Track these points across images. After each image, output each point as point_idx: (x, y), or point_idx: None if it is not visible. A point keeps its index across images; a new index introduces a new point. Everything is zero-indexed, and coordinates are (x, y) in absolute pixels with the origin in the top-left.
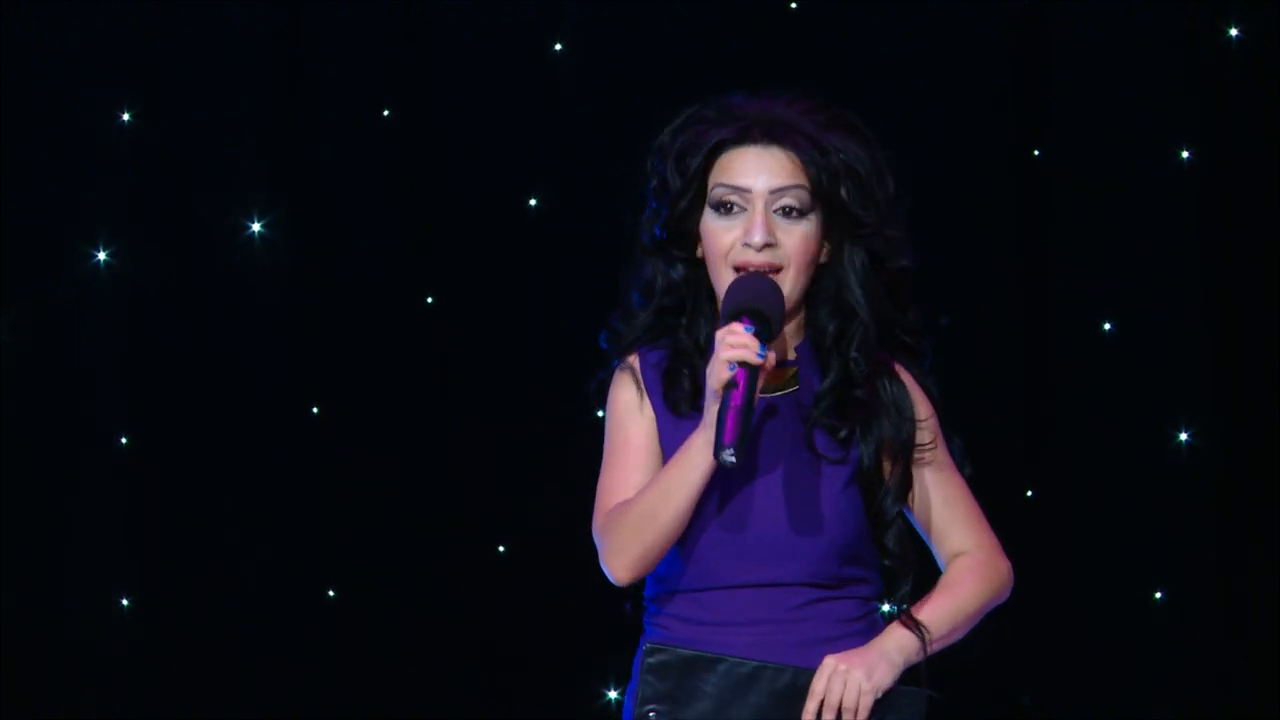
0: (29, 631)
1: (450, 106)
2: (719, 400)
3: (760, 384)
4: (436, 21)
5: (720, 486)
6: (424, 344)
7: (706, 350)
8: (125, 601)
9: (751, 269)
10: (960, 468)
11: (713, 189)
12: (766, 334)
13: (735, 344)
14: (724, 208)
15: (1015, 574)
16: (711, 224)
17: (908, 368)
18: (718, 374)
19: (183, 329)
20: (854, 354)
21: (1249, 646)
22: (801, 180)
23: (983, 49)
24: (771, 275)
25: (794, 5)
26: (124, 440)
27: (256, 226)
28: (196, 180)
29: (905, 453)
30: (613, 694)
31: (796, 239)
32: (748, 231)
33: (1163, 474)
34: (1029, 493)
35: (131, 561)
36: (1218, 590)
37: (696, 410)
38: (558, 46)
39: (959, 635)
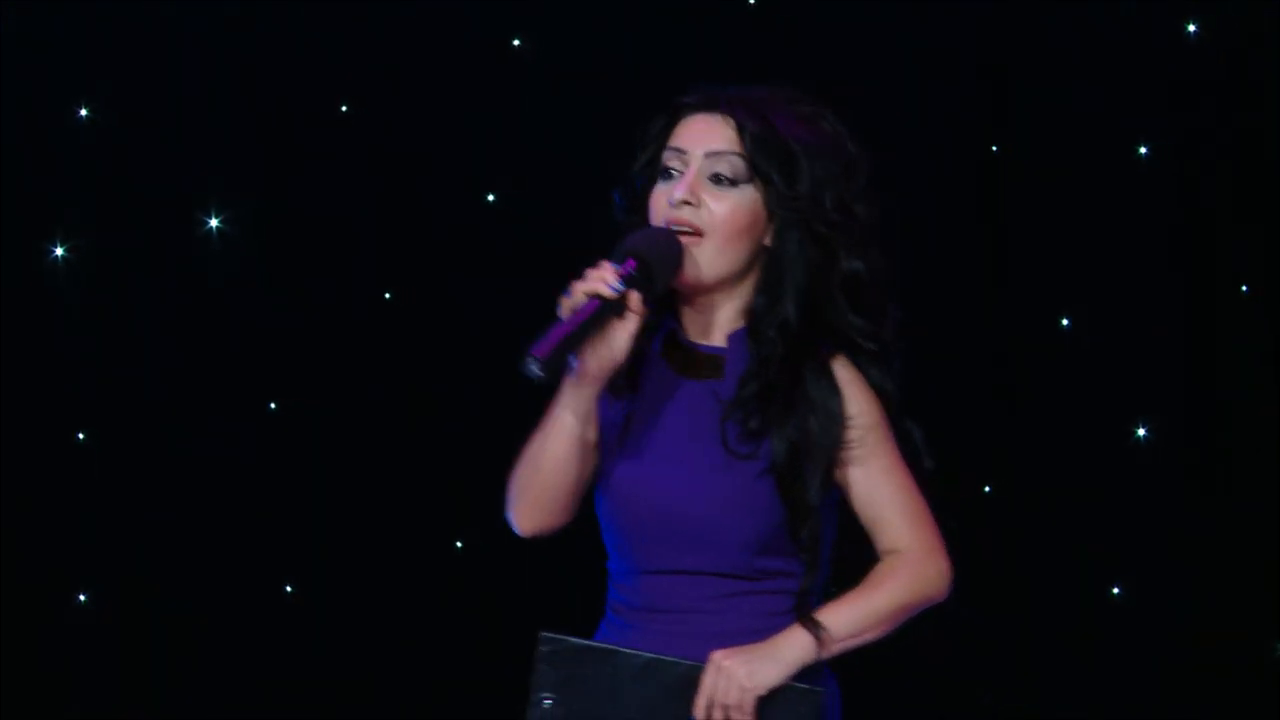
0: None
1: (408, 101)
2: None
3: (629, 327)
4: (394, 16)
5: (636, 473)
6: (382, 340)
7: (654, 328)
8: (83, 597)
9: (673, 227)
10: (918, 462)
11: (662, 155)
12: (646, 282)
13: (593, 276)
14: (665, 172)
15: (977, 570)
16: (655, 190)
17: (862, 366)
18: (567, 300)
19: (140, 325)
20: (771, 334)
21: (1207, 642)
22: (737, 149)
23: (942, 44)
24: (692, 238)
25: (752, 1)
26: (81, 436)
27: (214, 222)
28: (154, 176)
29: (829, 450)
30: None
31: (726, 206)
32: (673, 189)
33: (1121, 469)
34: (987, 488)
35: (89, 557)
36: (1176, 586)
37: (633, 392)
38: (516, 42)
39: (874, 634)
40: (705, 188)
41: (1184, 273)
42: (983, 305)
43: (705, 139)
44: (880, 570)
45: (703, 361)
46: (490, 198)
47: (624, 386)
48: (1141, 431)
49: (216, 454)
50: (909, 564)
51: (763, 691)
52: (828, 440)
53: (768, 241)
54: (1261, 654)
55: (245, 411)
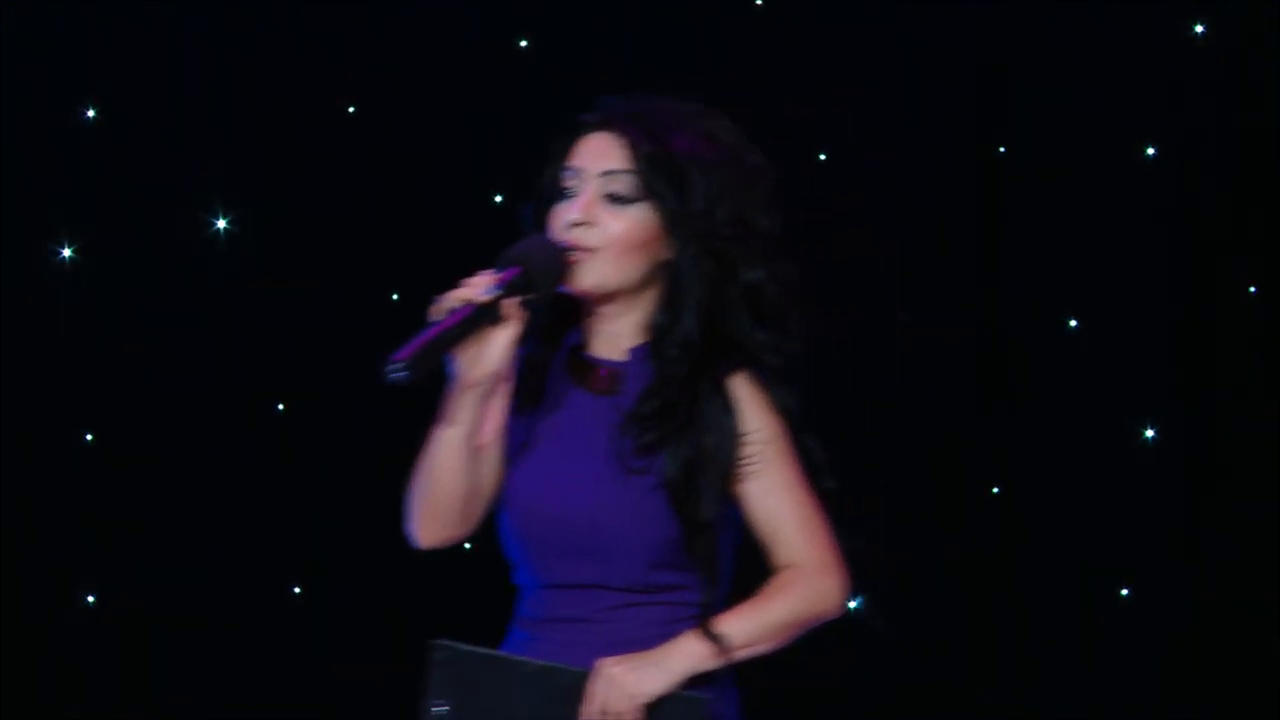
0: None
1: (414, 102)
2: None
3: (507, 334)
4: (400, 16)
5: (531, 485)
6: (389, 340)
7: (558, 348)
8: (90, 598)
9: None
10: (819, 479)
11: (561, 174)
12: (526, 290)
13: (469, 283)
14: (564, 191)
15: (984, 571)
16: (555, 208)
17: (766, 382)
18: (438, 305)
19: (148, 325)
20: (674, 351)
21: (1213, 643)
22: (630, 167)
23: (945, 45)
24: (585, 254)
25: (759, 2)
26: (89, 437)
27: (221, 223)
28: (160, 177)
29: (723, 466)
30: None
31: (620, 225)
32: (567, 210)
33: (1128, 470)
34: (995, 489)
35: (97, 558)
36: (1183, 587)
37: (536, 406)
38: (523, 43)
39: (765, 647)
40: (601, 207)
41: (1186, 273)
42: (985, 306)
43: (599, 159)
44: (774, 583)
45: (604, 376)
46: (497, 198)
47: (528, 400)
48: (1149, 433)
49: (223, 455)
50: (803, 578)
51: (648, 699)
52: (722, 456)
53: (670, 255)
54: (1268, 654)
55: (252, 412)
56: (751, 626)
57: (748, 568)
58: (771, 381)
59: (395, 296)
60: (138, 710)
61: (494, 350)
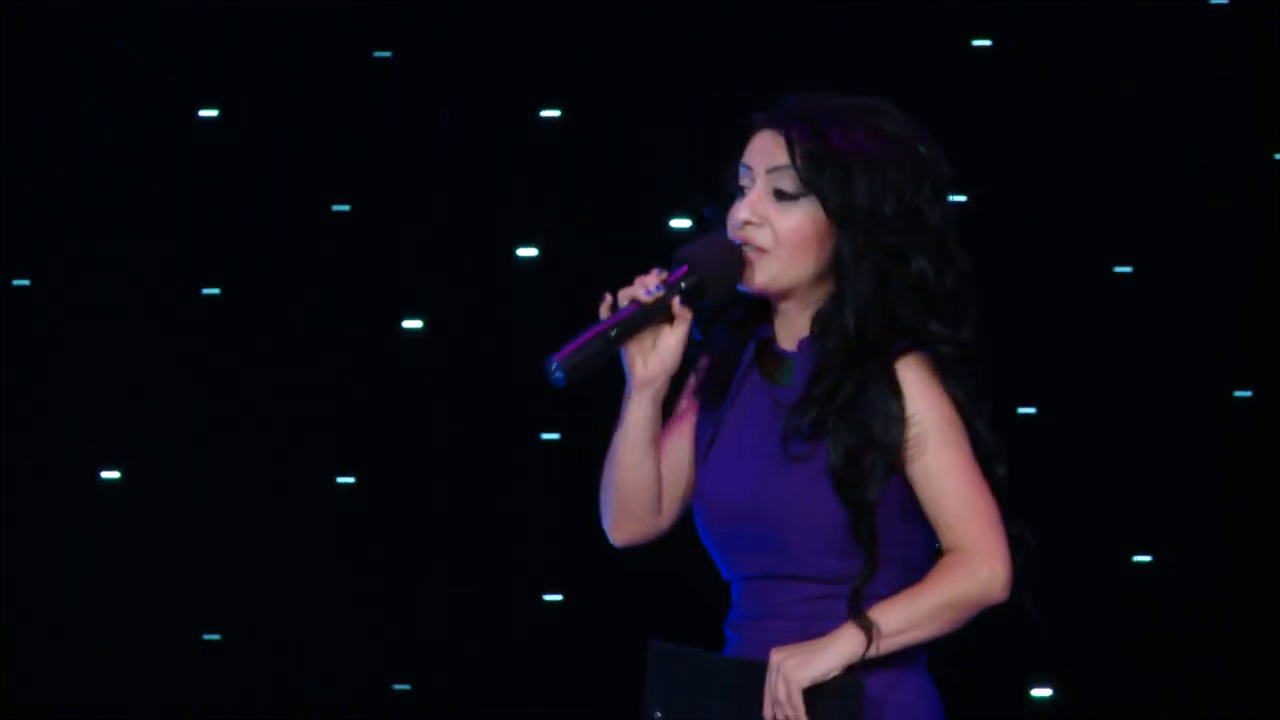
0: (466, 622)
1: None
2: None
3: (677, 332)
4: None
5: (714, 479)
6: None
7: (743, 347)
8: (548, 598)
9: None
10: (990, 465)
11: (737, 172)
12: (697, 289)
13: (638, 281)
14: (740, 190)
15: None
16: (732, 206)
17: (935, 365)
18: (604, 305)
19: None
20: (831, 342)
21: None
22: (792, 162)
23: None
24: (758, 253)
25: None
26: (550, 436)
27: (685, 223)
28: (621, 179)
29: (888, 450)
30: None
31: (788, 222)
32: (738, 209)
33: None
34: None
35: (563, 557)
36: None
37: (725, 400)
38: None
39: (924, 633)
40: (769, 204)
41: None
42: None
43: (766, 156)
44: (934, 569)
45: (783, 366)
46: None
47: (718, 394)
48: None
49: None
50: (960, 565)
51: (809, 684)
52: (886, 439)
53: (837, 251)
54: None
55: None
56: (906, 612)
57: None
58: (944, 368)
59: None
60: (602, 708)
61: (665, 348)
